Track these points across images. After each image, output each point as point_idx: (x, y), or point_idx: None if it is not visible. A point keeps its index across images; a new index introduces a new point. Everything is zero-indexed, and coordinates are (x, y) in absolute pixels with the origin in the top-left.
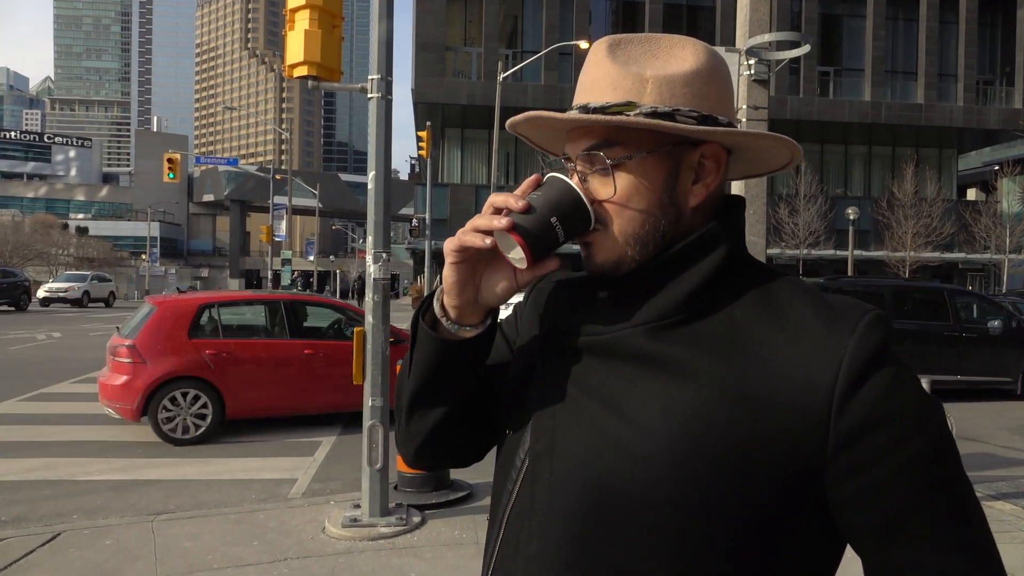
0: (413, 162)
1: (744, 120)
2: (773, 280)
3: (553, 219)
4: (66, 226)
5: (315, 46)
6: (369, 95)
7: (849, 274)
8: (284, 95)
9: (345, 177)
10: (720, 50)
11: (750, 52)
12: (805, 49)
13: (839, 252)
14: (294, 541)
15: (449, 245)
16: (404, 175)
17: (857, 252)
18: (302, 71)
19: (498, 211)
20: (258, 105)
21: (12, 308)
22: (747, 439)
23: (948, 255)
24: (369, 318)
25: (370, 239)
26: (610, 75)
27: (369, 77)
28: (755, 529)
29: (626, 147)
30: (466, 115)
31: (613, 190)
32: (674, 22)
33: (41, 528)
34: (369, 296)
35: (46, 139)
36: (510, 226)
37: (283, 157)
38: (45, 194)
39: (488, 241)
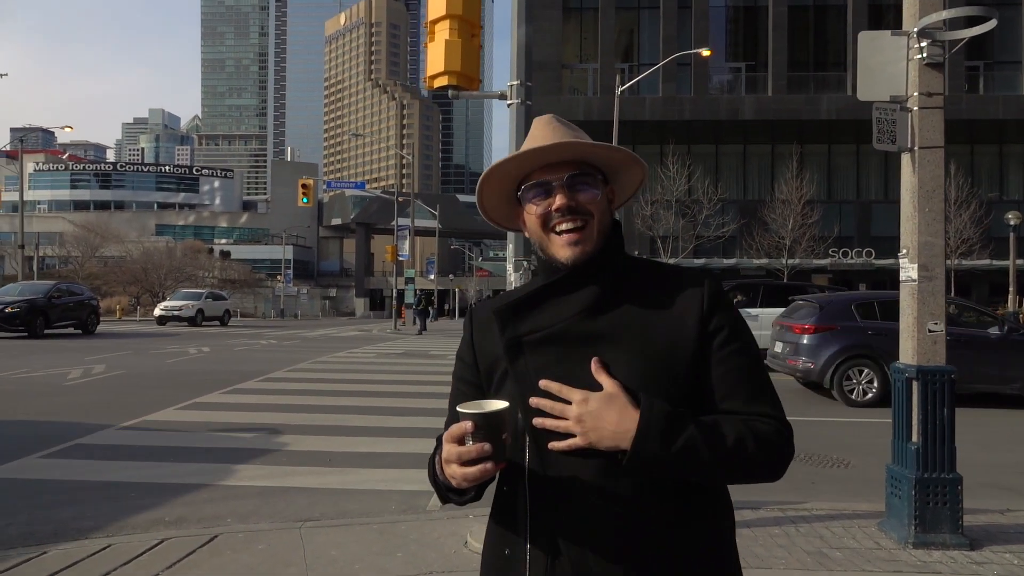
0: None
1: (916, 108)
2: (641, 264)
3: (504, 435)
4: (211, 251)
5: (455, 55)
6: (508, 101)
7: (1012, 286)
8: (404, 121)
9: (463, 198)
10: (885, 34)
11: (923, 33)
12: (991, 24)
13: (996, 262)
14: (437, 554)
15: (459, 477)
16: None
17: (1020, 261)
18: (443, 81)
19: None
20: (381, 132)
21: (79, 331)
22: (668, 354)
23: None
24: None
25: (510, 247)
26: (562, 132)
27: (508, 83)
28: (683, 386)
29: (590, 172)
30: (584, 131)
31: (599, 195)
32: (799, 25)
33: (200, 530)
34: None
35: (195, 172)
36: (492, 469)
37: (404, 180)
38: (193, 221)
39: (492, 472)
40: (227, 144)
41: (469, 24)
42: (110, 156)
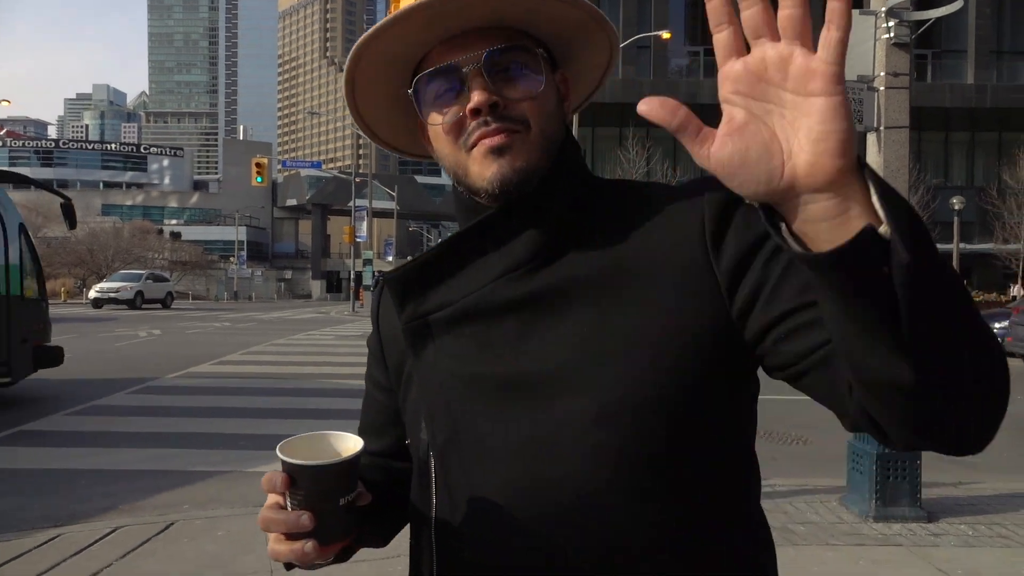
0: None
1: (882, 88)
2: (611, 187)
3: (342, 500)
4: (161, 231)
5: None
6: None
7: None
8: None
9: (421, 179)
10: (853, 12)
11: (891, 13)
12: (958, 4)
13: (941, 245)
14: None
15: (271, 552)
16: None
17: (962, 245)
18: None
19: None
20: (337, 111)
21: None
22: (643, 328)
23: None
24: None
25: None
26: None
27: None
28: (700, 363)
29: (526, 51)
30: None
31: (542, 83)
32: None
33: (155, 517)
34: None
35: (143, 150)
36: (314, 553)
37: (361, 161)
38: (142, 201)
39: (314, 557)
40: (176, 122)
41: None
42: (52, 133)
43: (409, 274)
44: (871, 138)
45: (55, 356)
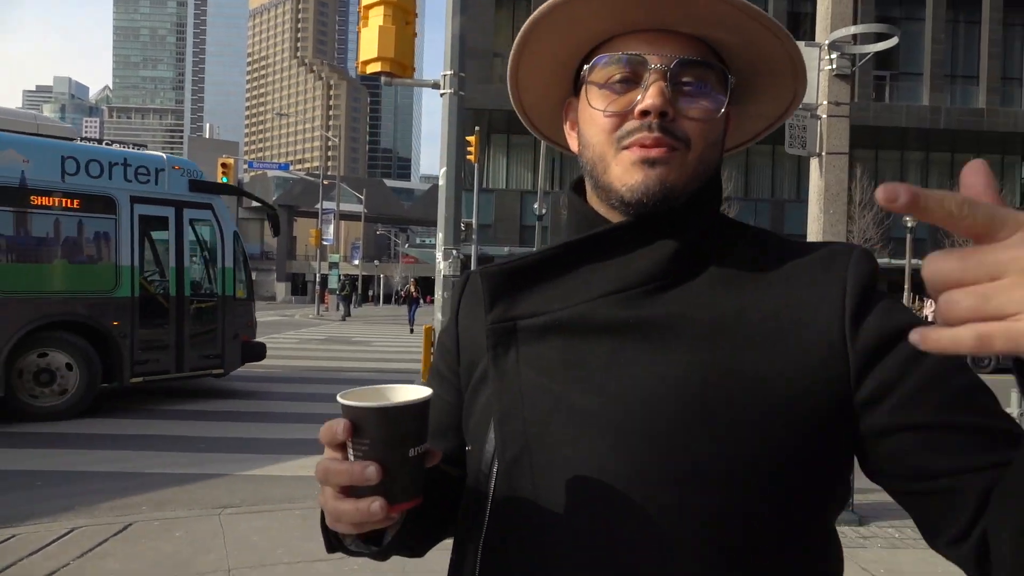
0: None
1: (824, 116)
2: (744, 232)
3: (412, 451)
4: None
5: (389, 42)
6: (442, 91)
7: (907, 284)
8: (331, 103)
9: (389, 183)
10: (800, 45)
11: (833, 46)
12: (893, 41)
13: (894, 261)
14: None
15: (330, 514)
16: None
17: (914, 261)
18: (376, 67)
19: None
20: (306, 112)
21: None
22: (757, 384)
23: None
24: (438, 315)
25: (440, 235)
26: None
27: (442, 73)
28: (814, 439)
29: (716, 71)
30: (512, 121)
31: (721, 109)
32: None
33: (112, 518)
34: (438, 293)
35: (105, 145)
36: (380, 511)
37: (330, 163)
38: None
39: (380, 516)
40: (140, 118)
41: (404, 11)
42: None
43: (507, 273)
44: (814, 163)
45: (260, 351)
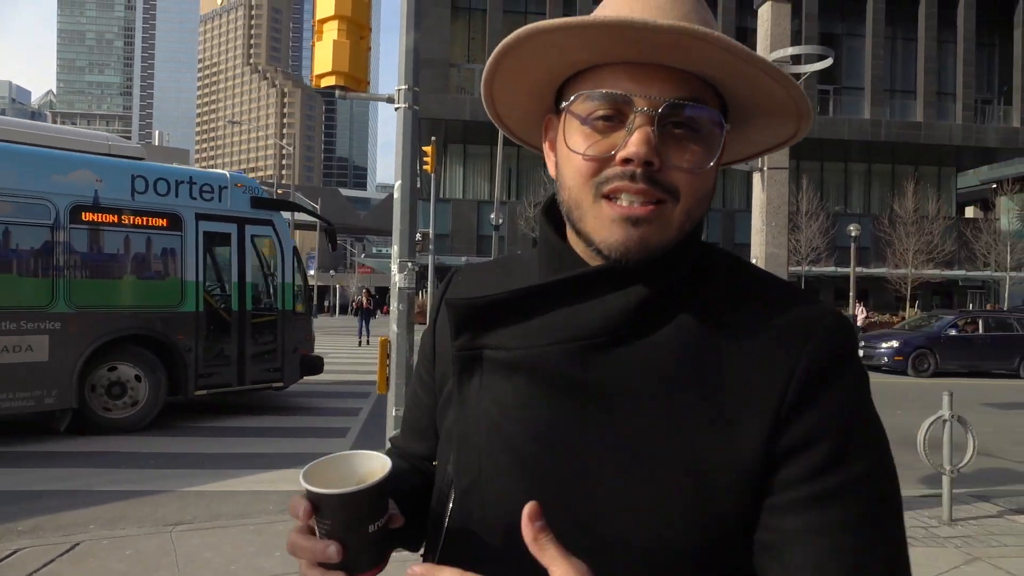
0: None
1: None
2: (724, 266)
3: (372, 527)
4: None
5: (343, 56)
6: (396, 105)
7: (852, 291)
8: (285, 110)
9: (345, 192)
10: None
11: None
12: (828, 62)
13: (840, 269)
14: None
15: None
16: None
17: (859, 269)
18: (330, 81)
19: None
20: (259, 120)
21: None
22: (690, 466)
23: (949, 272)
24: (394, 327)
25: (395, 248)
26: (698, 8)
27: (396, 87)
28: (727, 522)
29: (709, 105)
30: (468, 131)
31: (714, 157)
32: None
33: (59, 538)
34: (394, 305)
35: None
36: None
37: (284, 172)
38: None
39: None
40: (86, 124)
41: (358, 25)
42: None
43: (474, 307)
44: (756, 177)
45: (318, 365)
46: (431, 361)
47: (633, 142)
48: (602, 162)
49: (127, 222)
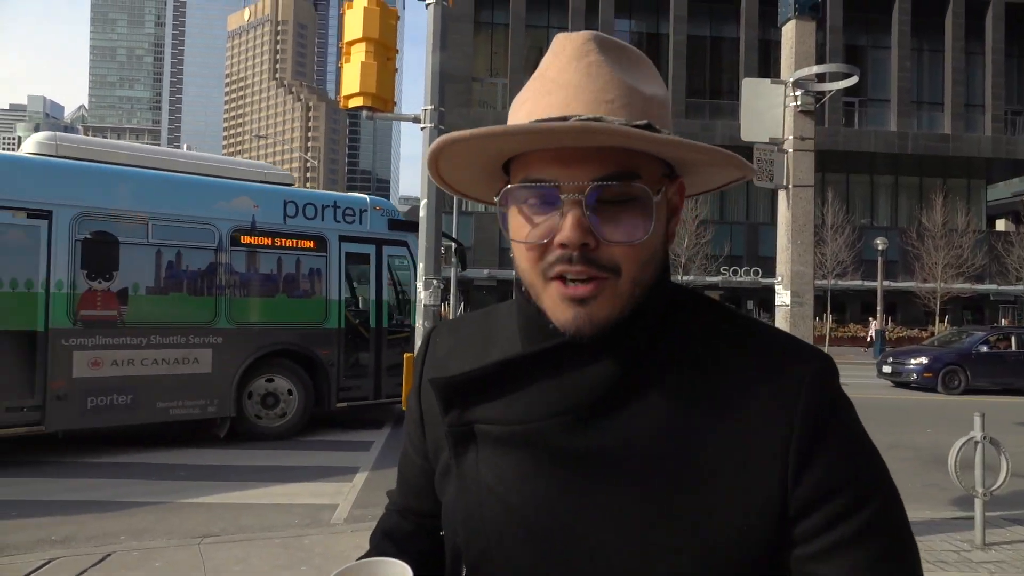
0: None
1: (791, 151)
2: (703, 319)
3: None
4: None
5: (371, 78)
6: (422, 125)
7: (879, 305)
8: (310, 124)
9: None
10: (765, 82)
11: (797, 84)
12: (853, 80)
13: (867, 283)
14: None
15: None
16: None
17: (886, 283)
18: (358, 102)
19: None
20: (284, 133)
21: None
22: (696, 527)
23: (979, 286)
24: (419, 343)
25: (421, 266)
26: (614, 82)
27: (422, 108)
28: None
29: (643, 178)
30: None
31: (649, 227)
32: (696, 54)
33: (91, 548)
34: (419, 323)
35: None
36: None
37: (308, 184)
38: None
39: None
40: (116, 137)
41: (385, 47)
42: None
43: (458, 384)
44: (781, 195)
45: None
46: (419, 424)
47: (565, 227)
48: (543, 248)
49: (280, 244)
